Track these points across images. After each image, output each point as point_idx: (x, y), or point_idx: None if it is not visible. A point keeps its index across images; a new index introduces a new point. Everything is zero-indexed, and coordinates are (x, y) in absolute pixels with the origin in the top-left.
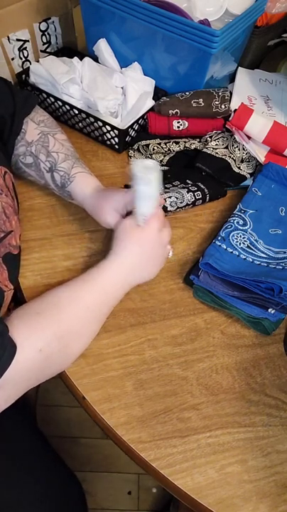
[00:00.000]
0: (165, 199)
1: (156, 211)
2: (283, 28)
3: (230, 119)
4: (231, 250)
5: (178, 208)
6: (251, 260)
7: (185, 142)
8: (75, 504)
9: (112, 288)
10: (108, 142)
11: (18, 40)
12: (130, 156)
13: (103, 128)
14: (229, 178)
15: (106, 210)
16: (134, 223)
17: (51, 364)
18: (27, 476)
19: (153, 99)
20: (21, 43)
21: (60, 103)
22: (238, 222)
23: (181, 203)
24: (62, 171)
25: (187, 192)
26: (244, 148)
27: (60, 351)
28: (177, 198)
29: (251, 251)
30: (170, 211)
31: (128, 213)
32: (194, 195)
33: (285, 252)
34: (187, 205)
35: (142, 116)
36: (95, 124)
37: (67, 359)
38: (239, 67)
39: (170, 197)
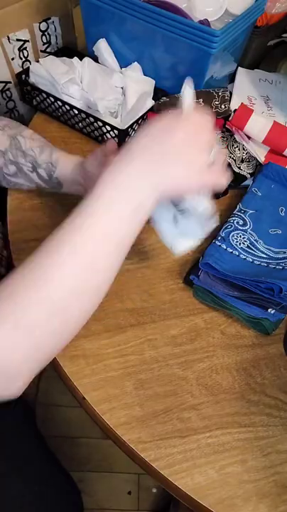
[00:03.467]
0: None
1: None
2: (283, 28)
3: (230, 119)
4: (231, 250)
5: None
6: (251, 260)
7: None
8: (70, 504)
9: (127, 204)
10: None
11: (18, 40)
12: None
13: (103, 128)
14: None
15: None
16: None
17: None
18: (21, 477)
19: (153, 99)
20: (21, 43)
21: (60, 103)
22: (238, 222)
23: None
24: (44, 163)
25: None
26: (244, 148)
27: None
28: None
29: (251, 251)
30: None
31: None
32: None
33: (285, 252)
34: None
35: (142, 116)
36: (95, 124)
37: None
38: (239, 67)
39: None
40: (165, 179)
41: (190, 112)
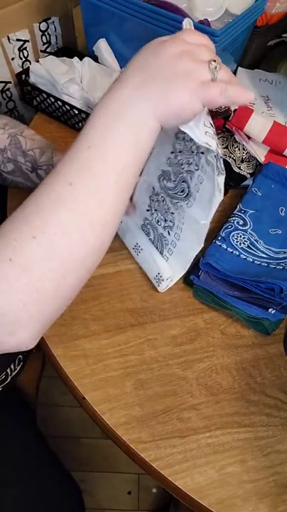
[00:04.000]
0: None
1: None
2: (283, 28)
3: (230, 119)
4: (231, 250)
5: None
6: (251, 260)
7: None
8: (71, 504)
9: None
10: None
11: (18, 40)
12: None
13: None
14: (229, 178)
15: None
16: None
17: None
18: (21, 477)
19: None
20: (21, 43)
21: (60, 103)
22: (238, 222)
23: None
24: (44, 165)
25: None
26: (244, 148)
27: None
28: None
29: (251, 251)
30: None
31: None
32: None
33: (285, 252)
34: None
35: None
36: None
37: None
38: (239, 67)
39: None
40: (162, 100)
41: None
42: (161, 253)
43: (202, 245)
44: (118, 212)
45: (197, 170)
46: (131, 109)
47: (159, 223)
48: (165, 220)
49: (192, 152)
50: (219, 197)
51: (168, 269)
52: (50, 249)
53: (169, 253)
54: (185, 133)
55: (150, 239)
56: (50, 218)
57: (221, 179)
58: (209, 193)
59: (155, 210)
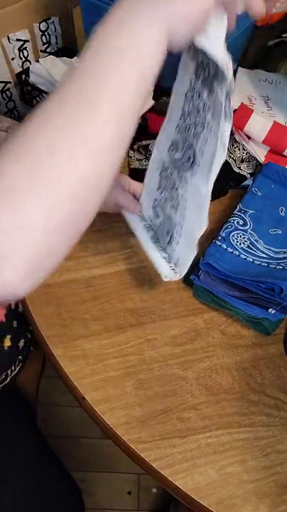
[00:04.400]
0: None
1: None
2: (283, 28)
3: None
4: (231, 250)
5: None
6: (251, 260)
7: None
8: (71, 504)
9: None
10: None
11: (18, 40)
12: (130, 156)
13: None
14: (229, 178)
15: (117, 191)
16: None
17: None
18: (21, 477)
19: (153, 99)
20: (21, 43)
21: None
22: (238, 222)
23: None
24: None
25: None
26: (244, 148)
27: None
28: None
29: (251, 251)
30: None
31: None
32: None
33: (285, 252)
34: None
35: (142, 116)
36: None
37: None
38: (239, 67)
39: None
40: (173, 8)
41: None
42: (171, 237)
43: (206, 224)
44: (114, 139)
45: (203, 131)
46: (132, 16)
47: (167, 202)
48: (172, 199)
49: (199, 111)
50: (222, 153)
51: (166, 266)
52: (35, 170)
53: (179, 236)
54: (193, 91)
55: (153, 232)
56: (35, 138)
57: (227, 127)
58: (212, 150)
59: (164, 189)
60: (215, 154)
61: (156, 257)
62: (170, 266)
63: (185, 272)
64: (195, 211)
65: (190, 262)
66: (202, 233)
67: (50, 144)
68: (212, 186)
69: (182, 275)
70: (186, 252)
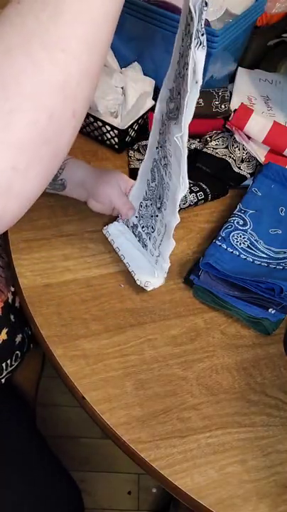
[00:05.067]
0: None
1: None
2: (283, 28)
3: (230, 119)
4: (231, 250)
5: (181, 209)
6: (251, 260)
7: None
8: (71, 504)
9: None
10: (108, 142)
11: None
12: (130, 156)
13: (103, 128)
14: (229, 178)
15: (114, 195)
16: None
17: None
18: (21, 477)
19: (153, 99)
20: None
21: None
22: (238, 222)
23: (184, 204)
24: None
25: (190, 193)
26: (244, 148)
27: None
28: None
29: (251, 251)
30: None
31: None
32: (196, 196)
33: (285, 252)
34: (190, 205)
35: (142, 116)
36: (95, 123)
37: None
38: (239, 67)
39: None
40: None
41: None
42: (161, 202)
43: (187, 186)
44: (82, 38)
45: (187, 69)
46: None
47: (161, 161)
48: (165, 157)
49: (189, 47)
50: (195, 88)
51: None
52: None
53: (167, 201)
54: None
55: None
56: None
57: (200, 56)
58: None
59: (161, 147)
60: (186, 92)
61: (136, 266)
62: (152, 267)
63: (166, 272)
64: (177, 167)
65: (169, 254)
66: (182, 196)
67: (8, 48)
68: (186, 129)
69: (165, 276)
70: (166, 245)
